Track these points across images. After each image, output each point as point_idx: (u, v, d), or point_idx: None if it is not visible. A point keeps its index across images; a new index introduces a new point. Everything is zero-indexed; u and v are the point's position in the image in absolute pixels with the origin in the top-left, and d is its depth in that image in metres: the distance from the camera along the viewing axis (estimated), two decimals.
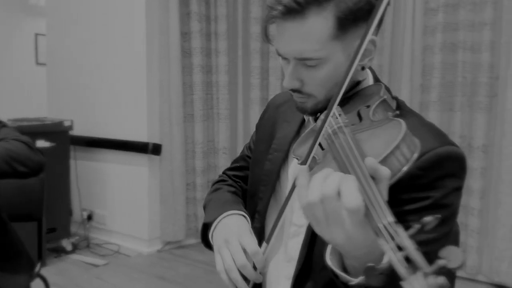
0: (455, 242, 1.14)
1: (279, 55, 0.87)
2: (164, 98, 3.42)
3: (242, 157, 1.21)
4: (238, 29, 3.56)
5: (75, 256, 3.41)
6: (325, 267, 0.81)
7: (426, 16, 2.98)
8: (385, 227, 0.57)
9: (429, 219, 0.55)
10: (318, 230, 0.66)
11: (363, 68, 0.88)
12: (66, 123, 3.48)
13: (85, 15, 3.65)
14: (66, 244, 3.47)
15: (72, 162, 3.62)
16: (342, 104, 0.83)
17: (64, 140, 3.48)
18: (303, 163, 0.77)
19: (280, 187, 1.01)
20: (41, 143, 3.31)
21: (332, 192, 0.63)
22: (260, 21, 3.50)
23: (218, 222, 1.00)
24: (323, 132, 0.75)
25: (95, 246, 3.61)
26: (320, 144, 0.77)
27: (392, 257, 0.54)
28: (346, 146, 0.68)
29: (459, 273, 2.68)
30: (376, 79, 0.95)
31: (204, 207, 1.13)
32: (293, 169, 0.99)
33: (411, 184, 0.77)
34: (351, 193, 0.61)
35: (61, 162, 3.45)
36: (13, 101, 5.01)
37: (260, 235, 1.01)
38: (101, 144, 3.62)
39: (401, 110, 0.86)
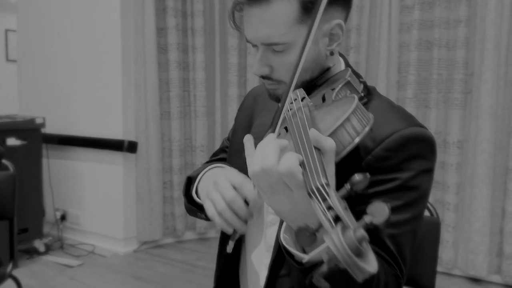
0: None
1: (248, 41, 0.87)
2: (139, 95, 3.36)
3: (222, 149, 1.19)
4: (215, 25, 3.53)
5: (48, 257, 3.32)
6: None
7: (402, 14, 3.01)
8: (317, 189, 0.57)
9: (359, 178, 0.54)
10: (266, 201, 0.67)
11: (331, 53, 0.89)
12: (38, 121, 3.38)
13: (57, 10, 3.56)
14: (39, 245, 3.37)
15: (44, 161, 3.52)
16: (310, 90, 0.86)
17: (36, 138, 3.38)
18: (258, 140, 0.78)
19: None
20: (12, 141, 3.21)
21: (272, 161, 0.64)
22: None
23: (204, 174, 0.96)
24: (283, 112, 0.76)
25: (69, 246, 3.52)
26: (286, 128, 0.79)
27: (320, 216, 0.54)
28: (300, 124, 0.70)
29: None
30: (348, 65, 0.95)
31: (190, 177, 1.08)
32: None
33: (378, 166, 0.78)
34: (284, 157, 0.63)
35: (33, 160, 3.35)
36: None
37: None
38: (74, 142, 3.54)
39: (370, 94, 0.87)
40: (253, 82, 3.54)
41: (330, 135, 0.66)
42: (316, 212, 0.55)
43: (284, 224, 0.72)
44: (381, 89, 3.03)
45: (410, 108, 2.97)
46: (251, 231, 0.99)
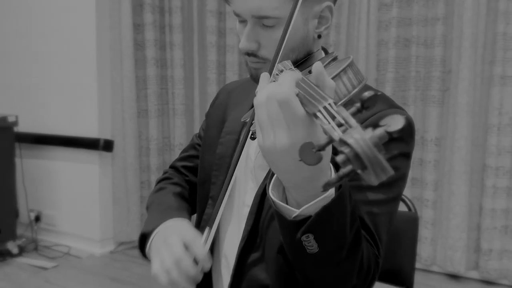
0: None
1: (237, 15, 0.85)
2: (116, 92, 3.29)
3: (192, 146, 1.16)
4: (194, 22, 3.48)
5: (22, 259, 3.23)
6: (271, 235, 0.80)
7: (380, 11, 3.01)
8: (324, 108, 0.54)
9: (368, 94, 0.52)
10: (263, 137, 0.61)
11: (319, 36, 0.89)
12: (11, 119, 3.29)
13: (30, 5, 3.46)
14: (12, 247, 3.27)
15: (17, 160, 3.42)
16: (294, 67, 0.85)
17: (8, 137, 3.28)
18: (250, 121, 0.77)
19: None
20: None
21: (273, 93, 0.59)
22: (217, 15, 3.44)
23: (157, 233, 0.93)
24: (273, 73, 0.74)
25: (43, 248, 3.43)
26: None
27: (330, 131, 0.50)
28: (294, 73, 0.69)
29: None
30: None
31: (147, 208, 1.07)
32: (247, 146, 0.96)
33: None
34: (280, 86, 0.58)
35: (5, 160, 3.26)
36: None
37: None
38: (48, 140, 3.45)
39: None
40: (232, 79, 3.50)
41: None
42: (325, 129, 0.51)
43: (273, 180, 0.68)
44: None
45: None
46: (227, 225, 0.96)
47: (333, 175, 0.63)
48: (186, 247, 0.81)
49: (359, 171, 0.46)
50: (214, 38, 3.44)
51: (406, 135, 0.83)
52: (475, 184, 2.83)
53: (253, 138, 0.86)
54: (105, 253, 3.37)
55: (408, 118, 0.83)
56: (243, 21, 0.86)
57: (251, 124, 0.77)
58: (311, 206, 0.63)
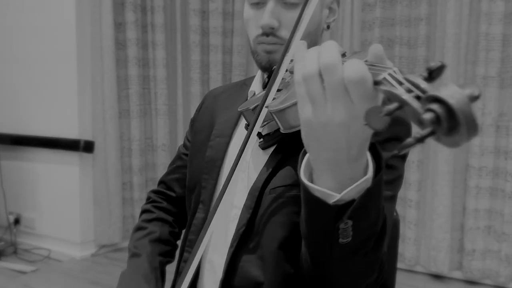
0: (396, 228, 1.12)
1: None
2: (96, 92, 3.23)
3: (178, 156, 1.14)
4: (177, 21, 3.43)
5: (0, 264, 3.15)
6: (271, 232, 0.78)
7: (364, 12, 3.01)
8: (390, 75, 0.50)
9: (435, 64, 0.48)
10: (315, 111, 0.55)
11: (328, 27, 0.93)
12: None
13: (7, 2, 3.38)
14: None
15: None
16: None
17: None
18: (260, 104, 0.73)
19: (224, 173, 0.94)
20: None
21: (333, 60, 0.53)
22: (200, 14, 3.40)
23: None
24: (282, 66, 0.72)
25: (23, 251, 3.35)
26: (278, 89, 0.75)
27: (402, 95, 0.46)
28: None
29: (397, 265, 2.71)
30: None
31: (129, 254, 1.07)
32: (240, 134, 0.94)
33: None
34: (353, 63, 0.52)
35: None
36: None
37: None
38: (27, 141, 3.37)
39: None
40: (216, 79, 3.47)
41: None
42: (393, 92, 0.47)
43: (304, 164, 0.63)
44: None
45: None
46: (212, 227, 0.93)
47: (369, 158, 0.60)
48: None
49: (441, 131, 0.42)
50: (198, 37, 3.40)
51: (405, 135, 0.82)
52: (458, 185, 2.83)
53: (261, 144, 0.85)
54: (86, 256, 3.31)
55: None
56: (257, 3, 0.87)
57: (254, 123, 0.74)
58: (353, 189, 0.59)
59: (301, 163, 0.64)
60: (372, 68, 0.53)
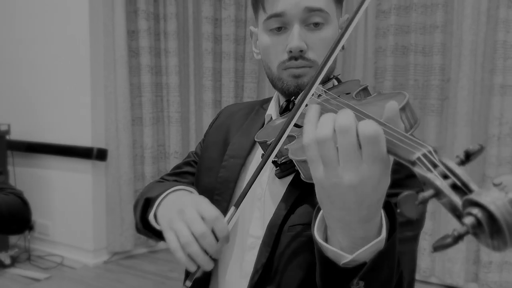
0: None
1: (277, 15, 0.84)
2: (109, 100, 3.24)
3: (187, 163, 1.08)
4: (189, 28, 3.43)
5: (14, 270, 3.17)
6: (290, 271, 0.75)
7: (378, 19, 2.97)
8: (424, 155, 0.48)
9: (474, 148, 0.47)
10: (327, 173, 0.55)
11: (343, 47, 0.88)
12: (3, 127, 3.24)
13: (24, 12, 3.41)
14: (4, 257, 3.22)
15: (10, 168, 3.37)
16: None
17: (0, 145, 3.23)
18: (277, 138, 0.70)
19: (237, 196, 0.91)
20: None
21: (349, 124, 0.53)
22: (212, 21, 3.39)
23: (165, 197, 0.85)
24: (304, 103, 0.68)
25: (36, 258, 3.37)
26: (296, 124, 0.71)
27: (438, 183, 0.45)
28: (343, 107, 0.63)
29: None
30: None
31: (136, 204, 0.97)
32: (256, 159, 0.91)
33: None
34: (367, 122, 0.53)
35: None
36: None
37: None
38: (41, 149, 3.39)
39: None
40: (228, 87, 3.45)
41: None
42: (429, 178, 0.46)
43: (318, 220, 0.63)
44: None
45: None
46: (227, 254, 0.90)
47: (383, 217, 0.59)
48: (204, 220, 0.73)
49: (482, 235, 0.41)
50: (210, 44, 3.40)
51: None
52: None
53: (278, 172, 0.82)
54: (99, 263, 3.31)
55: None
56: (279, 28, 0.85)
57: (272, 150, 0.71)
58: (365, 250, 0.59)
59: (315, 219, 0.63)
60: (405, 143, 0.51)
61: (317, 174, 0.57)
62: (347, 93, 0.78)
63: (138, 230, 0.98)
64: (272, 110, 0.96)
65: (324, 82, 0.89)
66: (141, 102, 3.39)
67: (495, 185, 0.42)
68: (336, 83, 0.92)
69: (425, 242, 2.91)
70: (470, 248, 2.82)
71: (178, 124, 3.48)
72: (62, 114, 3.30)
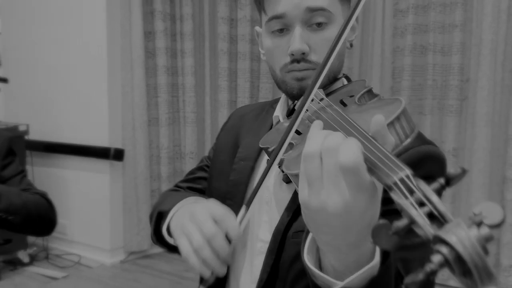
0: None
1: (279, 17, 0.81)
2: (126, 100, 3.27)
3: (201, 168, 1.08)
4: (205, 29, 3.44)
5: (32, 269, 3.22)
6: (294, 279, 0.73)
7: (395, 18, 2.93)
8: (401, 180, 0.45)
9: (455, 172, 0.44)
10: (310, 193, 0.53)
11: (351, 45, 0.87)
12: (22, 128, 3.28)
13: (43, 14, 3.46)
14: (23, 256, 3.27)
15: (28, 168, 3.41)
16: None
17: (19, 145, 3.28)
18: (278, 148, 0.67)
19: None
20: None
21: (335, 145, 0.51)
22: (228, 21, 3.39)
23: (178, 210, 0.85)
24: (303, 111, 0.65)
25: (54, 257, 3.41)
26: (296, 131, 0.68)
27: (413, 212, 0.43)
28: (336, 118, 0.60)
29: None
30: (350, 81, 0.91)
31: (151, 216, 0.97)
32: (265, 161, 0.89)
33: None
34: (348, 148, 0.49)
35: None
36: None
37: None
38: (59, 149, 3.43)
39: None
40: (243, 87, 3.45)
41: None
42: (404, 206, 0.44)
43: (308, 242, 0.60)
44: None
45: None
46: (239, 259, 0.89)
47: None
48: (216, 222, 0.72)
49: (453, 272, 0.39)
50: (226, 45, 3.40)
51: (440, 171, 0.76)
52: (494, 197, 2.72)
53: (284, 177, 0.79)
54: (116, 262, 3.34)
55: (442, 154, 0.78)
56: (281, 30, 0.83)
57: (276, 153, 0.69)
58: (357, 277, 0.55)
59: (305, 241, 0.60)
60: (386, 164, 0.48)
61: (303, 194, 0.53)
62: (351, 96, 0.75)
63: (153, 241, 0.98)
64: (279, 111, 0.94)
65: (332, 82, 0.87)
66: (157, 103, 3.41)
67: (474, 215, 0.40)
68: (345, 82, 0.90)
69: None
70: (490, 251, 2.76)
71: (193, 124, 3.49)
72: (79, 115, 3.33)
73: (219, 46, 3.42)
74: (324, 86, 0.84)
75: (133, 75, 3.25)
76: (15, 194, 1.31)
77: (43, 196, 1.42)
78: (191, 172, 1.10)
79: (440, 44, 2.80)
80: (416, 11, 2.84)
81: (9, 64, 3.71)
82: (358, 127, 0.55)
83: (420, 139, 0.78)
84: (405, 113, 0.58)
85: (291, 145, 0.69)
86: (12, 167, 1.41)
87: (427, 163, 0.74)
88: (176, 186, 1.10)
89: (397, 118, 0.56)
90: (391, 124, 0.55)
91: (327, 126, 0.59)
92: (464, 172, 0.44)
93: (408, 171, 0.46)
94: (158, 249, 3.53)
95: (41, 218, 1.36)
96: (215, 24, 3.43)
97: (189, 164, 3.50)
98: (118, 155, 3.24)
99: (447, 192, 2.81)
